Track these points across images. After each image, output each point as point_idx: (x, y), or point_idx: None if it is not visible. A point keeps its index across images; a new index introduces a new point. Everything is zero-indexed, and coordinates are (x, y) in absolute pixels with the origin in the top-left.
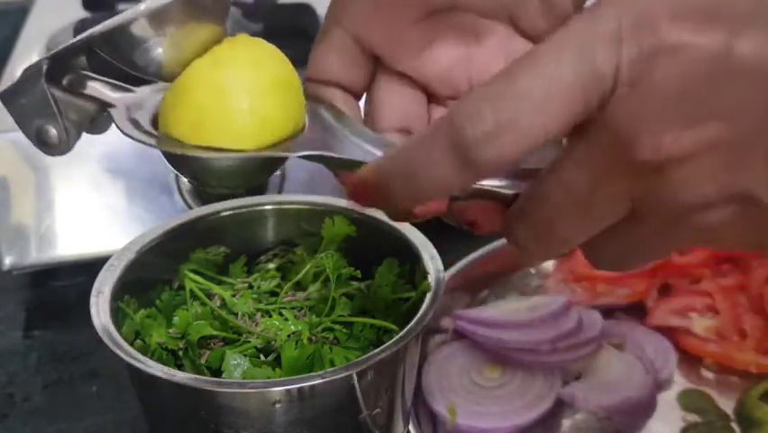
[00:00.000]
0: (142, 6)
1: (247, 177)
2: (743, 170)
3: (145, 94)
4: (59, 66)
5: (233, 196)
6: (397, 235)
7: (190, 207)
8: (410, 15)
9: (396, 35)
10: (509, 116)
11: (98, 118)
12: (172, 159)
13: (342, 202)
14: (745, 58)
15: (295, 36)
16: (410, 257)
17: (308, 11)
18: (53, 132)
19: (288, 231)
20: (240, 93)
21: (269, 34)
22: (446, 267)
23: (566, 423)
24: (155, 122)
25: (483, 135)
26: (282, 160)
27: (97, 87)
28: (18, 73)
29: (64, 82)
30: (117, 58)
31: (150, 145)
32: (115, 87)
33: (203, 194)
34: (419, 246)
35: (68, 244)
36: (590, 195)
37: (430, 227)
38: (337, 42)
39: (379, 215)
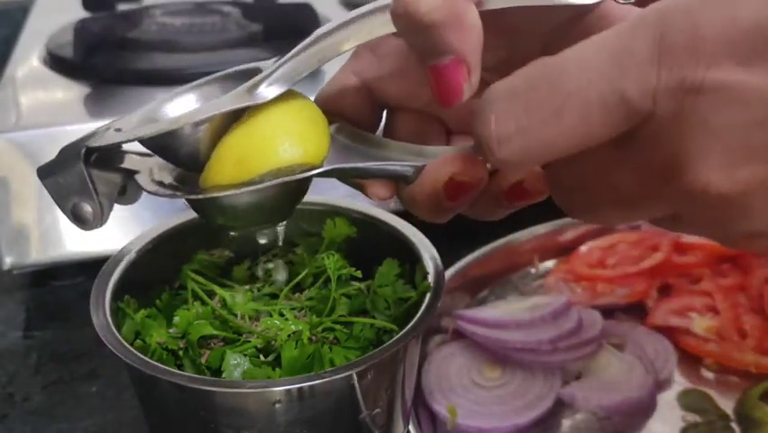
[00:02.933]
0: (188, 109)
1: (272, 210)
2: None
3: None
4: (94, 155)
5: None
6: (397, 235)
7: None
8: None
9: (409, 86)
10: (527, 125)
11: (128, 190)
12: (201, 208)
13: (343, 202)
14: None
15: (295, 36)
16: (410, 257)
17: (308, 11)
18: (88, 209)
19: (288, 231)
20: (275, 119)
21: (269, 34)
22: (446, 267)
23: (566, 423)
24: (180, 179)
25: (503, 137)
26: (303, 187)
27: (124, 159)
28: (18, 73)
29: (94, 159)
30: (153, 149)
31: (176, 197)
32: (139, 155)
33: None
34: (419, 246)
35: (68, 244)
36: (631, 198)
37: (430, 227)
38: (350, 86)
39: (379, 215)
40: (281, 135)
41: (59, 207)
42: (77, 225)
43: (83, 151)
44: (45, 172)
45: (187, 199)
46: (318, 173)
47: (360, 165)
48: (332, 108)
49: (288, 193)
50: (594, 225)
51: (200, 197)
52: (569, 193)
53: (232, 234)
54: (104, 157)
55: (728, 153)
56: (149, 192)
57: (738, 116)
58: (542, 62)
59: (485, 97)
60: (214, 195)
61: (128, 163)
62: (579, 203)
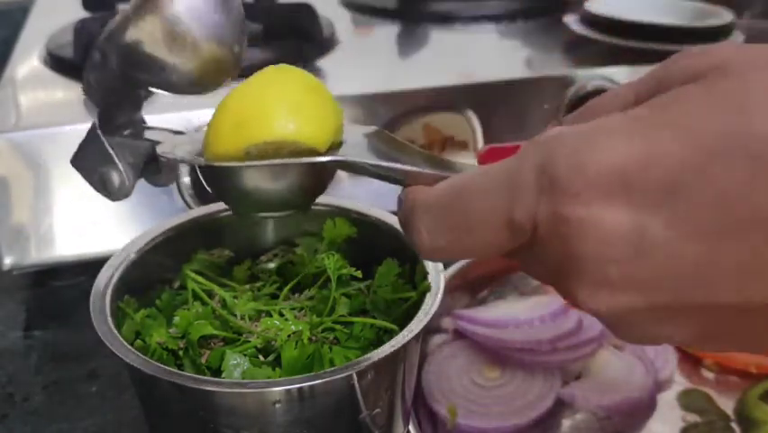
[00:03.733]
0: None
1: (282, 194)
2: (660, 327)
3: (193, 136)
4: (112, 118)
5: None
6: (397, 235)
7: (190, 207)
8: None
9: None
10: (439, 243)
11: (163, 169)
12: (209, 179)
13: (343, 202)
14: (655, 235)
15: (295, 36)
16: (410, 257)
17: (308, 11)
18: (114, 177)
19: (288, 231)
20: (276, 86)
21: (269, 34)
22: (446, 267)
23: (566, 423)
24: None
25: (421, 247)
26: (318, 178)
27: (149, 132)
28: (18, 73)
29: (118, 131)
30: (140, 73)
31: (182, 162)
32: (166, 132)
33: (203, 194)
34: None
35: (68, 244)
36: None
37: None
38: None
39: (379, 215)
40: (281, 104)
41: (88, 181)
42: (104, 195)
43: (97, 120)
44: (74, 157)
45: (199, 170)
46: (321, 161)
47: (366, 162)
48: None
49: (299, 179)
50: None
51: (202, 163)
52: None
53: (243, 220)
54: (128, 128)
55: (592, 283)
56: (159, 155)
57: (596, 251)
58: (458, 182)
59: (412, 207)
60: (214, 164)
61: (153, 136)
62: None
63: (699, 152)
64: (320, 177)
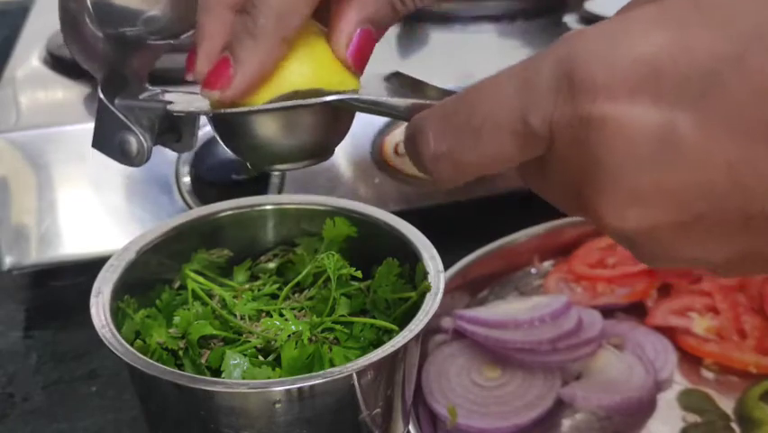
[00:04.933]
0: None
1: (296, 141)
2: (694, 248)
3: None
4: (117, 83)
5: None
6: (397, 235)
7: (190, 207)
8: None
9: None
10: (449, 150)
11: (183, 135)
12: (228, 133)
13: (343, 202)
14: (686, 136)
15: None
16: (410, 257)
17: None
18: (132, 140)
19: (288, 231)
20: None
21: None
22: (446, 267)
23: (566, 423)
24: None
25: (431, 158)
26: (335, 121)
27: (162, 95)
28: (18, 73)
29: (130, 97)
30: (123, 27)
31: (202, 113)
32: (179, 93)
33: (203, 194)
34: (419, 246)
35: (68, 244)
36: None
37: (430, 227)
38: None
39: (379, 215)
40: (306, 52)
41: (110, 155)
42: (126, 163)
43: (101, 93)
44: (93, 140)
45: (213, 123)
46: (332, 100)
47: (372, 98)
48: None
49: (314, 122)
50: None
51: (219, 112)
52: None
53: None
54: (139, 92)
55: (618, 195)
56: (173, 112)
57: (622, 156)
58: (467, 88)
59: (422, 116)
60: (231, 110)
61: (166, 97)
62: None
63: (737, 41)
64: (336, 121)
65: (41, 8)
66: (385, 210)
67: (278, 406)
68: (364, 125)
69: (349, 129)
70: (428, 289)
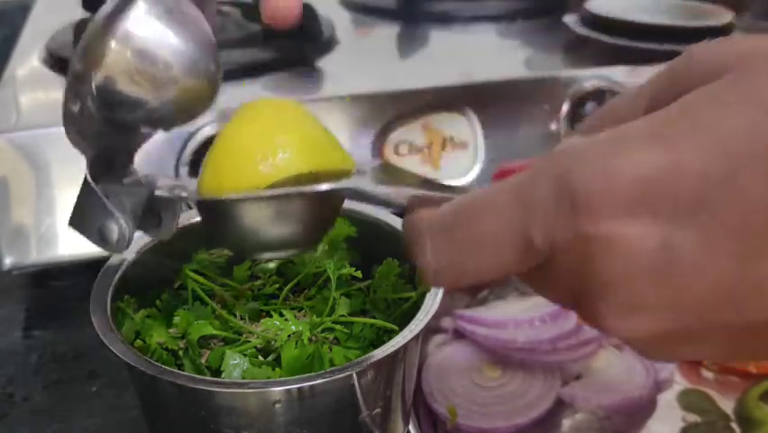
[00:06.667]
0: None
1: (283, 231)
2: (687, 348)
3: (190, 180)
4: (105, 166)
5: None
6: (398, 235)
7: (190, 207)
8: None
9: None
10: (447, 265)
11: (164, 220)
12: (215, 220)
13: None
14: (682, 250)
15: (295, 36)
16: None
17: (308, 11)
18: (113, 227)
19: None
20: (287, 120)
21: (269, 35)
22: None
23: (566, 423)
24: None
25: (427, 270)
26: (327, 212)
27: (145, 178)
28: (18, 73)
29: (115, 180)
30: (122, 112)
31: (192, 200)
32: (163, 178)
33: None
34: None
35: (68, 244)
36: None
37: None
38: None
39: (380, 215)
40: (304, 136)
41: (88, 238)
42: (104, 249)
43: (88, 174)
44: (71, 217)
45: (200, 209)
46: (328, 189)
47: (372, 189)
48: None
49: (309, 210)
50: None
51: (209, 198)
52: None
53: (250, 259)
54: (125, 176)
55: (620, 306)
56: (159, 196)
57: (623, 271)
58: (465, 200)
59: (419, 225)
60: (225, 197)
61: (150, 181)
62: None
63: (726, 159)
64: (326, 210)
65: (41, 8)
66: (385, 210)
67: (278, 406)
68: (365, 125)
69: (336, 218)
70: (428, 289)
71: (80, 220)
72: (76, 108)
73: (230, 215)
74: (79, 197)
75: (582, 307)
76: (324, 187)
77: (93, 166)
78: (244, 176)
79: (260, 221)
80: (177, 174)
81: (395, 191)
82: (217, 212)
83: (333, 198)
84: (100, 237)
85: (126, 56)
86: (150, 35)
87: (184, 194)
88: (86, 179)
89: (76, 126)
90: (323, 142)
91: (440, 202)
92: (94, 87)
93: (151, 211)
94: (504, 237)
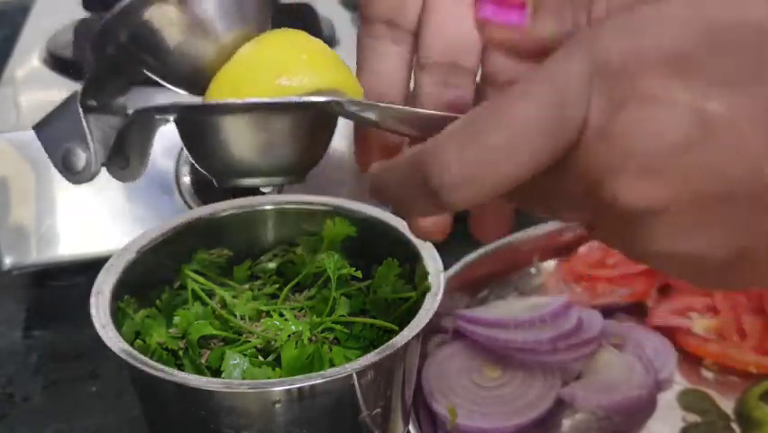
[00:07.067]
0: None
1: (277, 149)
2: (696, 236)
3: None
4: (97, 94)
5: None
6: (397, 235)
7: (190, 207)
8: None
9: None
10: (474, 169)
11: (131, 162)
12: (202, 133)
13: (343, 202)
14: (714, 118)
15: None
16: (410, 257)
17: (308, 11)
18: (80, 155)
19: (288, 231)
20: (310, 41)
21: None
22: (446, 267)
23: (566, 423)
24: None
25: (449, 185)
26: (320, 136)
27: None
28: (18, 73)
29: (97, 104)
30: (148, 56)
31: (174, 106)
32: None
33: (203, 194)
34: (419, 246)
35: (68, 244)
36: (556, 209)
37: None
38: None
39: (379, 215)
40: (329, 56)
41: (50, 156)
42: (67, 177)
43: (80, 92)
44: (40, 123)
45: (179, 125)
46: (318, 102)
47: (378, 103)
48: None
49: (294, 128)
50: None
51: (198, 103)
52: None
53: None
54: (104, 102)
55: (636, 171)
56: (135, 111)
57: (654, 132)
58: (488, 103)
59: (433, 142)
60: (212, 102)
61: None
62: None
63: (759, 36)
64: (318, 132)
65: (41, 8)
66: (385, 210)
67: (278, 406)
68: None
69: (326, 147)
70: (428, 289)
71: (48, 134)
72: (108, 32)
73: (223, 125)
74: (57, 110)
75: (596, 193)
76: (321, 99)
77: (88, 88)
78: (261, 88)
79: (253, 134)
80: (177, 177)
81: (386, 109)
82: (212, 122)
83: (326, 119)
84: (64, 161)
85: (182, 10)
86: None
87: (178, 102)
88: (73, 95)
89: (97, 46)
90: (344, 69)
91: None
92: (137, 20)
93: (121, 151)
94: (539, 123)
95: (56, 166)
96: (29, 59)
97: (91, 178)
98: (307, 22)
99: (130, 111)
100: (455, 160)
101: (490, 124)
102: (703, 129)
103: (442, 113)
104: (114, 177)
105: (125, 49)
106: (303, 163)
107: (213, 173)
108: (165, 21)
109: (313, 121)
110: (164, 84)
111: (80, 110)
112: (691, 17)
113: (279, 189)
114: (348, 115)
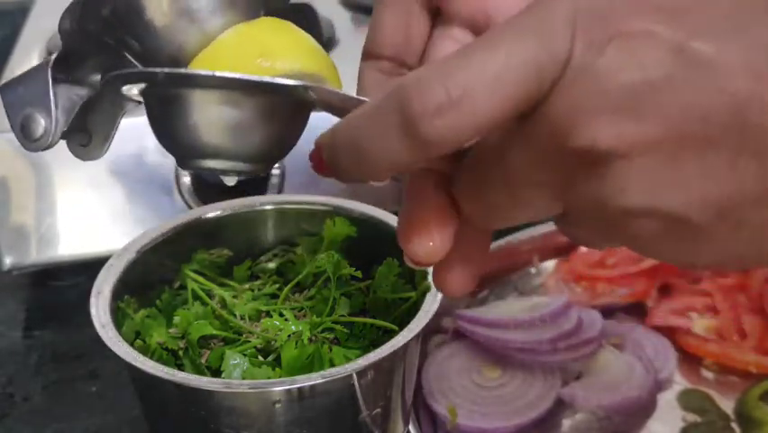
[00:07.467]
0: None
1: (252, 135)
2: (676, 185)
3: None
4: (69, 66)
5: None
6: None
7: (190, 207)
8: None
9: None
10: (460, 92)
11: (93, 140)
12: (173, 107)
13: (343, 202)
14: (699, 57)
15: None
16: None
17: (308, 11)
18: (40, 122)
19: (288, 231)
20: (295, 30)
21: None
22: None
23: (566, 423)
24: None
25: (432, 109)
26: (293, 122)
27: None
28: (18, 73)
29: (69, 77)
30: (129, 36)
31: (144, 72)
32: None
33: (203, 194)
34: None
35: (68, 244)
36: (521, 176)
37: None
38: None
39: (379, 215)
40: (311, 42)
41: (9, 119)
42: (23, 143)
43: (52, 60)
44: (7, 83)
45: (149, 97)
46: (288, 84)
47: (332, 90)
48: (379, 36)
49: (279, 110)
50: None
51: (160, 70)
52: (463, 184)
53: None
54: (77, 76)
55: (619, 107)
56: (108, 77)
57: (635, 67)
58: (476, 38)
59: (420, 73)
60: (184, 71)
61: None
62: (470, 192)
63: None
64: (291, 120)
65: (41, 8)
66: (385, 210)
67: (278, 406)
68: None
69: (296, 139)
70: (428, 289)
71: (11, 95)
72: (90, 4)
73: (190, 99)
74: (24, 74)
75: (564, 142)
76: (291, 82)
77: (61, 58)
78: (240, 66)
79: (221, 112)
80: (177, 177)
81: (355, 97)
82: (179, 96)
83: (298, 110)
84: (22, 125)
85: None
86: None
87: (147, 69)
88: (45, 62)
89: (76, 17)
90: (324, 59)
91: None
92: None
93: (84, 127)
94: (525, 55)
95: (13, 130)
96: (29, 59)
97: (47, 147)
98: (307, 22)
99: (100, 96)
100: (439, 84)
101: (478, 54)
102: (687, 67)
103: None
104: (73, 154)
105: (107, 23)
106: (269, 152)
107: (175, 152)
108: (153, 1)
109: (284, 109)
110: (134, 61)
111: (49, 77)
112: None
113: (280, 190)
114: (320, 104)
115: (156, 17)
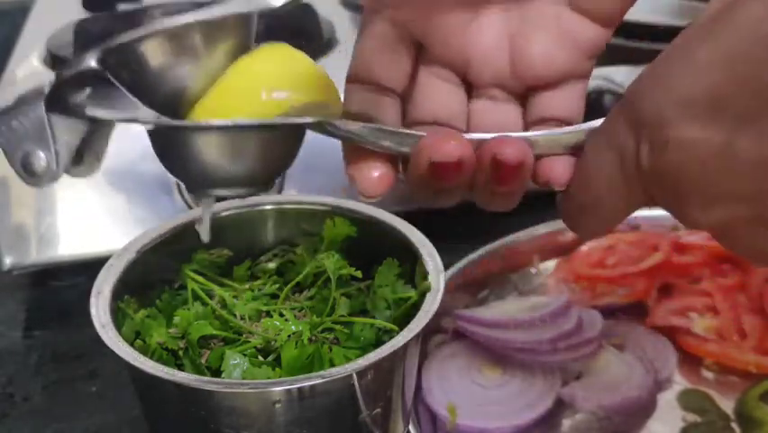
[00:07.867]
0: (159, 25)
1: (254, 161)
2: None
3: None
4: (62, 91)
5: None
6: (397, 235)
7: (190, 207)
8: None
9: (437, 15)
10: (583, 219)
11: (85, 157)
12: (171, 155)
13: (343, 202)
14: (744, 151)
15: (295, 36)
16: (410, 257)
17: (308, 11)
18: (41, 157)
19: (288, 231)
20: (301, 58)
21: (269, 34)
22: (446, 267)
23: (566, 423)
24: None
25: (572, 222)
26: (285, 147)
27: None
28: (18, 73)
29: (64, 106)
30: (127, 79)
31: (154, 122)
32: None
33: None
34: (419, 246)
35: (68, 244)
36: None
37: (430, 227)
38: (377, 31)
39: (379, 215)
40: (318, 71)
41: (8, 156)
42: (25, 180)
43: (46, 90)
44: (1, 115)
45: (154, 137)
46: (298, 123)
47: (351, 127)
48: (362, 66)
49: (267, 146)
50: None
51: (167, 122)
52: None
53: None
54: (70, 101)
55: (701, 200)
56: (116, 120)
57: (697, 170)
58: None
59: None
60: (181, 124)
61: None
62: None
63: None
64: (291, 145)
65: (41, 8)
66: (385, 210)
67: (278, 406)
68: None
69: (294, 160)
70: (428, 288)
71: (8, 131)
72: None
73: (202, 143)
74: (18, 104)
75: (677, 210)
76: (307, 120)
77: (56, 87)
78: (245, 105)
79: (231, 151)
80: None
81: (362, 127)
82: (191, 140)
83: (298, 131)
84: (22, 165)
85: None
86: None
87: (146, 117)
88: (38, 91)
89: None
90: (325, 82)
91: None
92: (131, 54)
93: (79, 152)
94: (611, 183)
95: (13, 167)
96: (29, 59)
97: (50, 183)
98: (307, 22)
99: (98, 128)
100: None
101: (583, 187)
102: (736, 159)
103: (418, 132)
104: (70, 174)
105: (102, 61)
106: (273, 173)
107: (185, 182)
108: (151, 50)
109: (286, 134)
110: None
111: (45, 112)
112: (713, 59)
113: (280, 190)
114: (332, 134)
115: (153, 62)
